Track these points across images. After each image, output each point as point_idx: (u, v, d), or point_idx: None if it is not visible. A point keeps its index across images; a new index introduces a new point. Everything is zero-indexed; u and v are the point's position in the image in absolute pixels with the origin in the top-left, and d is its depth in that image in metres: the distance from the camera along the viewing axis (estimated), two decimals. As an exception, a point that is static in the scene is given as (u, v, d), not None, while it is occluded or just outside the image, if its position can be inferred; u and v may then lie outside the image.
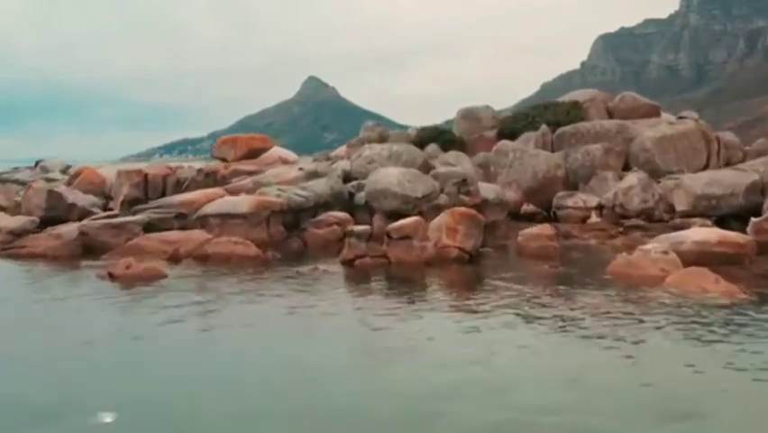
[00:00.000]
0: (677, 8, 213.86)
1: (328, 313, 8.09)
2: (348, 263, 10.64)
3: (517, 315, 7.85)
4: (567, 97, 22.89)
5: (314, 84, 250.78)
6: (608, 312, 7.88)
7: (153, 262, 10.64)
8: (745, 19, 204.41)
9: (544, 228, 11.96)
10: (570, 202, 16.84)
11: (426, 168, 16.54)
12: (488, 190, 15.25)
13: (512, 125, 20.72)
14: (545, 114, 21.19)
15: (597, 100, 22.39)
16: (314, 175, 15.40)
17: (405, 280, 9.93)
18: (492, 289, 9.26)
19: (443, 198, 14.17)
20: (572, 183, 18.11)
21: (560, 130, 19.97)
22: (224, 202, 12.79)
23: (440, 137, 20.29)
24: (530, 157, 17.46)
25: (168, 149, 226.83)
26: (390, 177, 13.76)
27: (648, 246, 10.04)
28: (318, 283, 9.65)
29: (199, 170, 15.72)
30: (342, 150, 22.48)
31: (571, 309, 8.07)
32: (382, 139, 21.69)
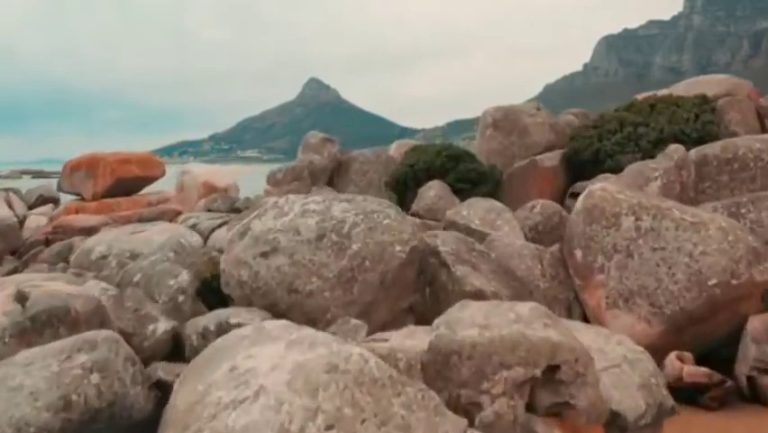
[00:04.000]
0: (680, 9, 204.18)
1: None
2: None
3: None
4: (680, 88, 11.92)
5: (315, 86, 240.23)
6: None
7: None
8: (749, 20, 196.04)
9: None
10: (793, 353, 6.09)
11: (413, 276, 5.84)
12: (618, 391, 4.41)
13: (595, 143, 9.82)
14: (654, 117, 10.34)
15: (740, 96, 11.55)
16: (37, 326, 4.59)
17: None
18: None
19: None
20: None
21: (696, 152, 9.20)
22: None
23: (451, 168, 9.33)
24: (683, 230, 6.60)
25: (167, 150, 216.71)
26: (262, 410, 2.94)
27: None
28: None
29: None
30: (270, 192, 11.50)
31: None
32: (341, 166, 10.90)
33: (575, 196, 9.84)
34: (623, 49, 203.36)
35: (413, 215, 8.91)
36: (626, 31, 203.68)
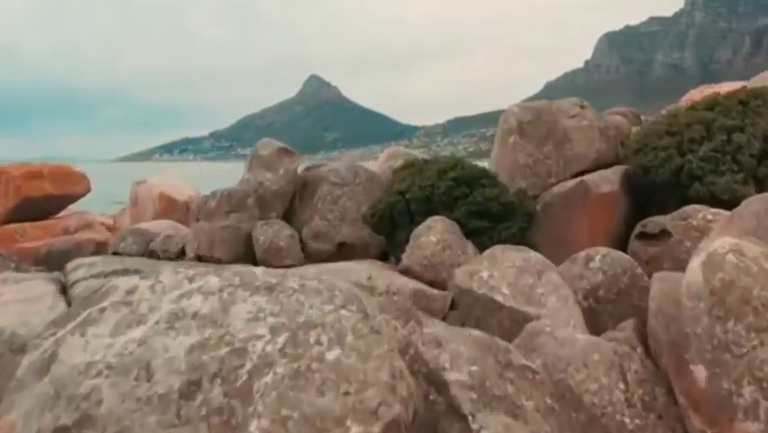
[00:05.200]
0: (682, 6, 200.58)
1: None
2: None
3: None
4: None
5: (315, 83, 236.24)
6: None
7: None
8: (751, 17, 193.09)
9: None
10: None
11: None
12: None
13: (675, 157, 6.57)
14: (750, 118, 7.05)
15: None
16: None
17: None
18: None
19: None
20: None
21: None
22: None
23: (461, 196, 6.11)
24: None
25: (168, 148, 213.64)
26: None
27: None
28: None
29: None
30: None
31: None
32: (305, 188, 7.63)
33: (646, 237, 6.59)
34: (624, 46, 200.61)
35: (403, 272, 5.67)
36: (627, 28, 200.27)
